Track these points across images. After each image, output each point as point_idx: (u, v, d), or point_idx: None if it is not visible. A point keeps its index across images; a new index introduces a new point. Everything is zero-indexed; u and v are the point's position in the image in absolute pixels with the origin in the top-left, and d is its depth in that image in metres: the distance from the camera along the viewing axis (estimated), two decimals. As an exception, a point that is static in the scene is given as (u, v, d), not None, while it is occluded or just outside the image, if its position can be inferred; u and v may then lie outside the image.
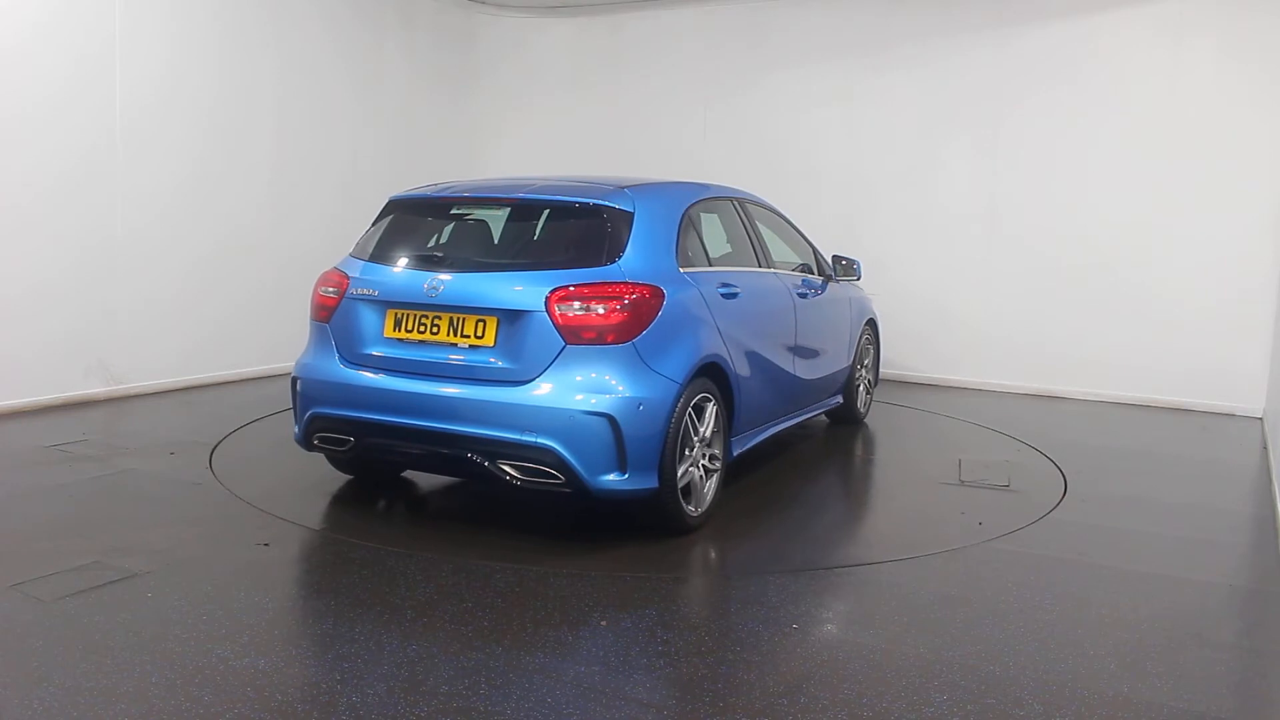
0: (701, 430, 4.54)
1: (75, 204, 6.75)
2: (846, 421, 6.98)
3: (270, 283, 7.94)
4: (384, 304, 4.53)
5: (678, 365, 4.34)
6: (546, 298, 4.19)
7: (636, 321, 4.22)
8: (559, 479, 4.15)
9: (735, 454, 4.98)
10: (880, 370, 7.49)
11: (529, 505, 4.89)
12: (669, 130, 9.66)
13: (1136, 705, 3.04)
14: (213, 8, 7.52)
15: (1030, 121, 8.25)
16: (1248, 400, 7.65)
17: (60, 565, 3.88)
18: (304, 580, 3.91)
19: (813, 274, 6.24)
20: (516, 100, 10.27)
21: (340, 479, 5.32)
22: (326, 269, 4.90)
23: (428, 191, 5.06)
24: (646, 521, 4.49)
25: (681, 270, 4.65)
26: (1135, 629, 3.62)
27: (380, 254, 4.76)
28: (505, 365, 4.24)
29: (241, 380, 7.78)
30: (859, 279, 6.63)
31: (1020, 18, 8.25)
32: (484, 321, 4.30)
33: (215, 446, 5.82)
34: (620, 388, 4.15)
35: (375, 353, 4.52)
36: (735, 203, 5.66)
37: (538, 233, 4.71)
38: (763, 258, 5.61)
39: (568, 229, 4.61)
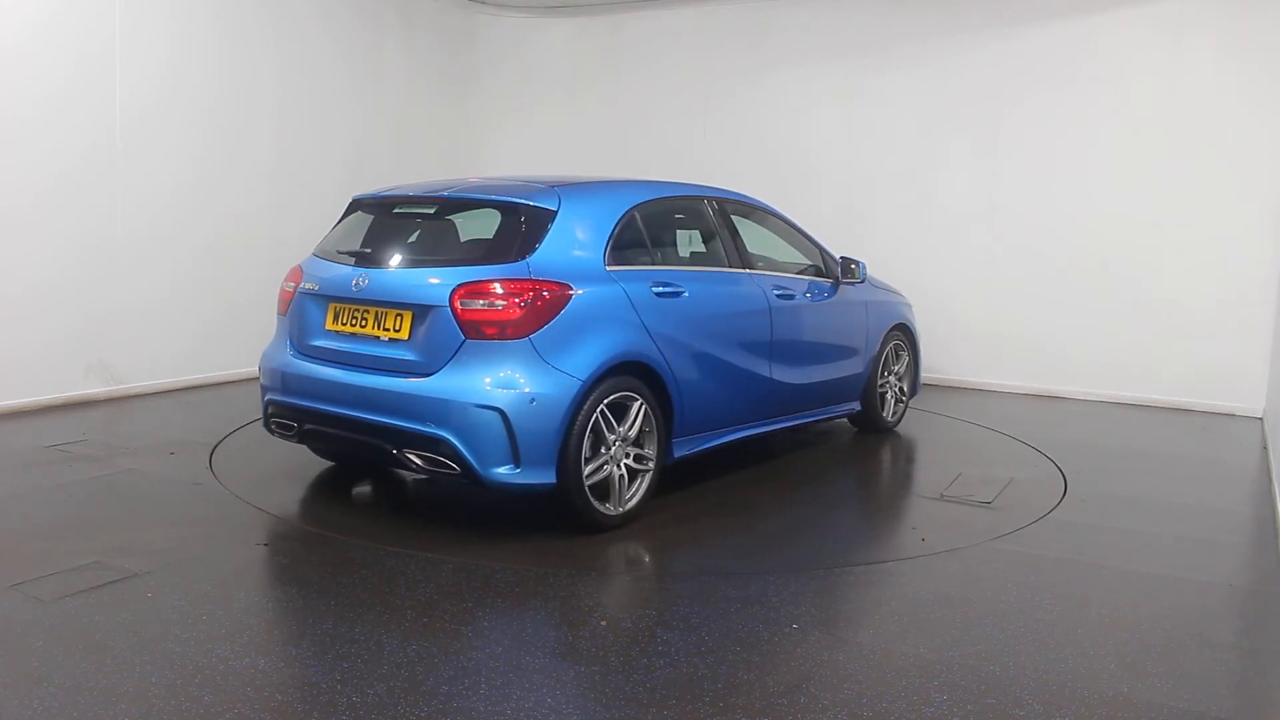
0: (621, 429, 4.54)
1: (75, 204, 6.75)
2: (873, 429, 6.73)
3: (270, 282, 7.85)
4: (326, 298, 4.75)
5: (582, 363, 4.35)
6: (451, 293, 4.30)
7: (534, 318, 4.28)
8: (455, 469, 4.26)
9: (678, 456, 4.93)
10: (920, 377, 7.18)
11: (529, 505, 4.89)
12: (669, 130, 9.66)
13: (1136, 705, 3.04)
14: (213, 8, 7.52)
15: (1030, 121, 8.25)
16: (1248, 400, 7.64)
17: (60, 565, 3.88)
18: (304, 580, 3.91)
19: (820, 277, 6.09)
20: (516, 100, 10.26)
21: (341, 479, 5.33)
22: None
23: (379, 191, 5.26)
24: (559, 516, 4.52)
25: (609, 269, 4.66)
26: (1135, 629, 3.62)
27: (330, 250, 5.02)
28: (415, 358, 4.38)
29: (242, 380, 7.77)
30: (862, 280, 6.36)
31: (1020, 18, 8.25)
32: (401, 315, 4.46)
33: (215, 446, 5.82)
34: (513, 383, 4.22)
35: (318, 344, 4.75)
36: (709, 202, 5.58)
37: (459, 231, 4.85)
38: (736, 259, 5.47)
39: (487, 227, 4.73)
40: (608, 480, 4.51)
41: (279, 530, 4.51)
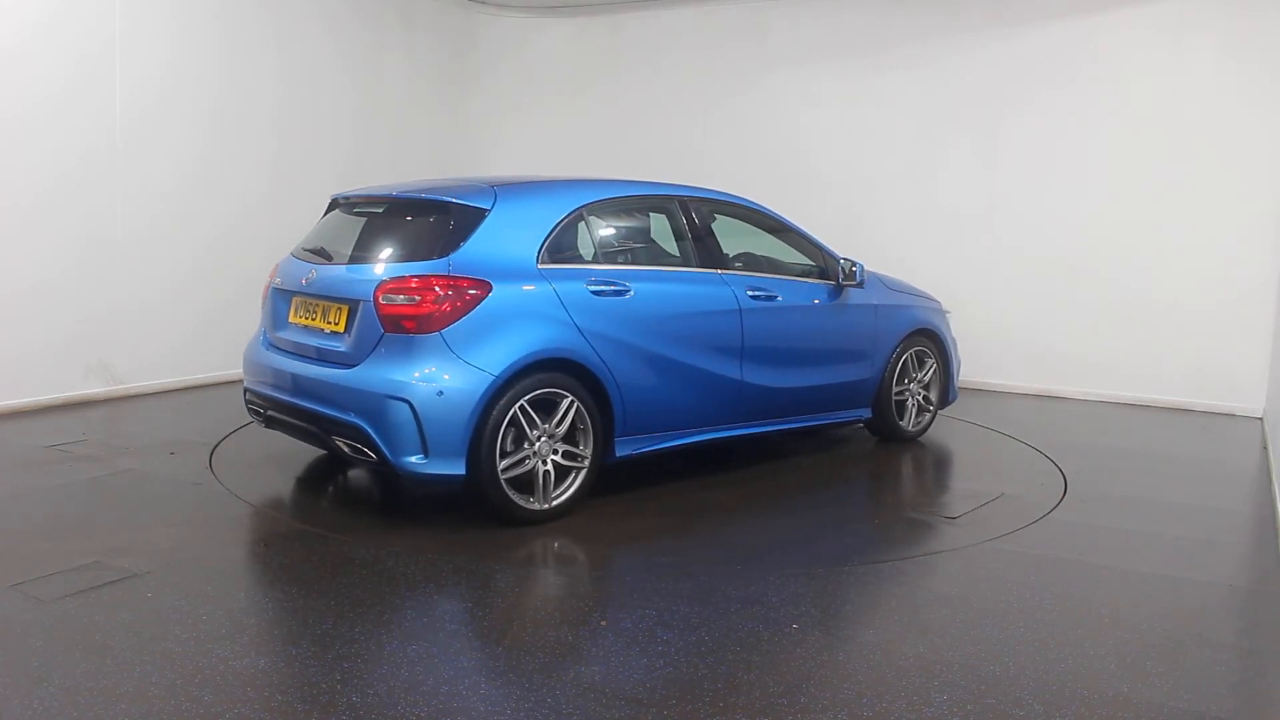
0: (546, 425, 4.56)
1: (75, 204, 6.75)
2: (892, 438, 6.42)
3: (270, 283, 7.93)
4: (289, 293, 5.02)
5: (496, 358, 4.40)
6: (375, 289, 4.47)
7: (447, 313, 4.39)
8: (373, 457, 4.42)
9: (621, 455, 4.92)
10: (955, 385, 6.80)
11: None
12: (669, 130, 9.65)
13: (1136, 705, 3.04)
14: (213, 8, 7.52)
15: (1030, 122, 8.25)
16: (1248, 400, 7.64)
17: (60, 565, 3.89)
18: (304, 580, 3.91)
19: (822, 279, 5.92)
20: (516, 100, 10.27)
21: (341, 479, 5.34)
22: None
23: (350, 190, 5.47)
24: (476, 509, 4.60)
25: (542, 267, 4.70)
26: (1135, 629, 3.62)
27: (300, 247, 5.28)
28: (346, 350, 4.58)
29: (242, 380, 7.77)
30: (860, 282, 6.04)
31: (1020, 18, 8.25)
32: (340, 309, 4.67)
33: (215, 446, 5.82)
34: (422, 375, 4.34)
35: (282, 336, 5.02)
36: (679, 201, 5.49)
37: (397, 229, 4.98)
38: (706, 259, 5.38)
39: (420, 225, 4.85)
40: (530, 474, 4.55)
41: (279, 530, 4.51)
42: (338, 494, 5.19)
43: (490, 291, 4.47)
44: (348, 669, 3.13)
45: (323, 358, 4.69)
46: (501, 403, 4.41)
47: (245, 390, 5.22)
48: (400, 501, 5.13)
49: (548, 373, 4.57)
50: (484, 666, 3.17)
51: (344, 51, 8.72)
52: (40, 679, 2.98)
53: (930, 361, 6.58)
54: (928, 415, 6.63)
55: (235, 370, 7.73)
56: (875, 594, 3.98)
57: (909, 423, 6.50)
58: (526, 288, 4.61)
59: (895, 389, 6.35)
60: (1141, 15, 7.84)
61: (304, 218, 8.23)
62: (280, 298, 5.08)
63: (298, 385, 4.75)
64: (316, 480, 5.34)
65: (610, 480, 5.09)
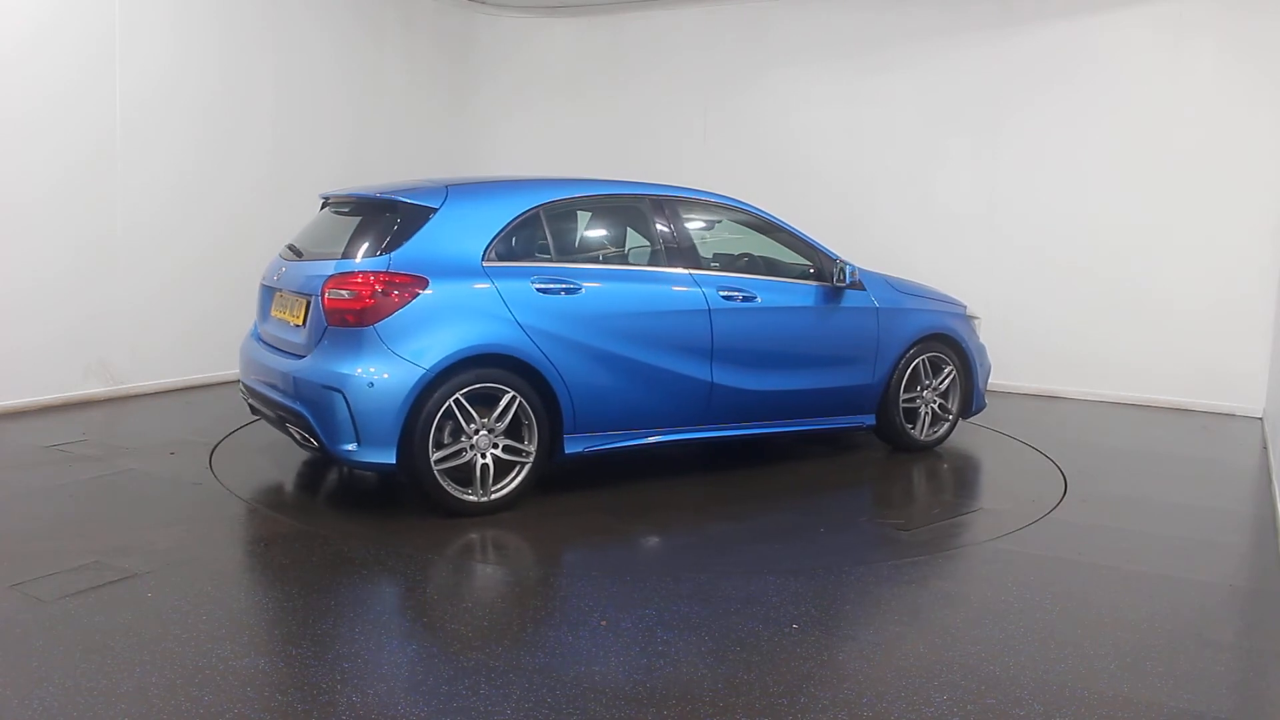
0: (486, 420, 4.63)
1: (75, 204, 6.75)
2: (904, 447, 6.16)
3: (270, 283, 7.92)
4: (271, 289, 5.24)
5: (429, 352, 4.52)
6: (323, 284, 4.65)
7: (381, 308, 4.53)
8: (315, 444, 4.63)
9: (571, 453, 4.93)
10: (980, 393, 6.48)
11: (531, 508, 4.89)
12: (669, 131, 9.65)
13: (1136, 705, 3.04)
14: (212, 8, 7.52)
15: (1030, 121, 8.25)
16: (1248, 400, 7.64)
17: (60, 565, 3.89)
18: (304, 580, 3.91)
19: (819, 281, 5.76)
20: (516, 101, 10.26)
21: (342, 479, 5.34)
22: None
23: (335, 190, 5.68)
24: (416, 500, 4.75)
25: (487, 265, 4.78)
26: (1135, 629, 3.62)
27: (287, 244, 5.48)
28: (301, 342, 4.78)
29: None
30: (849, 283, 5.80)
31: (1020, 18, 8.25)
32: (300, 304, 4.84)
33: (215, 446, 5.82)
34: (355, 367, 4.50)
35: (265, 329, 5.27)
36: (650, 200, 5.42)
37: (357, 226, 5.08)
38: (678, 258, 5.32)
39: (374, 223, 4.95)
40: (469, 466, 4.62)
41: (279, 530, 4.51)
42: (337, 493, 5.19)
43: (426, 288, 4.59)
44: (348, 669, 3.13)
45: (286, 349, 4.91)
46: (435, 396, 4.53)
47: (240, 381, 5.44)
48: (400, 502, 5.12)
49: (486, 368, 4.65)
50: (484, 666, 3.17)
51: (343, 52, 8.72)
52: (40, 679, 2.98)
53: (948, 368, 6.26)
54: (945, 424, 6.31)
55: (235, 369, 7.76)
56: (875, 594, 3.98)
57: (921, 431, 6.19)
58: (467, 285, 4.71)
59: (904, 396, 6.08)
60: (1141, 15, 7.84)
61: (303, 217, 8.20)
62: (266, 293, 5.30)
63: (268, 376, 4.97)
64: (316, 480, 5.34)
65: (607, 475, 5.09)
